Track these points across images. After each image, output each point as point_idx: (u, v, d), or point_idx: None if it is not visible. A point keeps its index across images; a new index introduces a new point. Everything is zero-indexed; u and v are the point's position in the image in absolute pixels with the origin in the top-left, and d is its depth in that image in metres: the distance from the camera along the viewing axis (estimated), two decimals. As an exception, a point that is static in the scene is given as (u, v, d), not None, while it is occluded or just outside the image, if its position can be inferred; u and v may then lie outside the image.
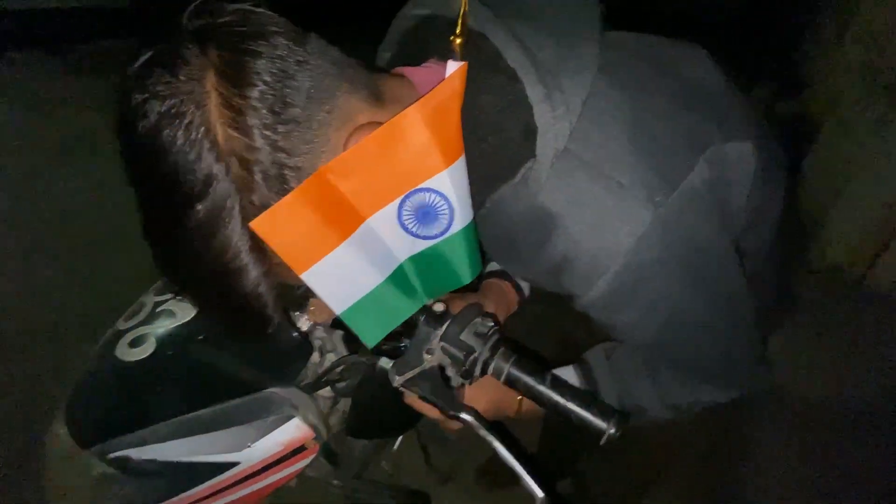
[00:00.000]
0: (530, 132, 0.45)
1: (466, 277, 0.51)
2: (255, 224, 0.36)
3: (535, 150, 0.45)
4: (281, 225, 0.37)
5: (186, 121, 0.34)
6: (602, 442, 0.48)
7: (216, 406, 0.54)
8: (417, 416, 0.98)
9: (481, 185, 0.48)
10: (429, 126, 0.40)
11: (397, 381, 0.52)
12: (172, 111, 0.34)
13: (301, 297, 0.84)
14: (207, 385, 0.56)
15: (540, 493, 0.46)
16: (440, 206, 0.44)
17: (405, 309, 0.51)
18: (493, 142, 0.46)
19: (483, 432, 0.49)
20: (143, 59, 0.36)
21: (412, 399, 0.59)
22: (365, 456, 0.98)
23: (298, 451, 0.57)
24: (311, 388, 0.62)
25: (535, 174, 0.46)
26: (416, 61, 0.51)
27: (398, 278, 0.48)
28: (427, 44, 0.52)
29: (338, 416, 0.78)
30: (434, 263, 0.48)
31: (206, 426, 0.53)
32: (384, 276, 0.46)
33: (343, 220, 0.41)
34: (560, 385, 0.51)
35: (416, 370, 0.53)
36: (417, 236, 0.45)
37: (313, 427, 0.57)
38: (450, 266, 0.49)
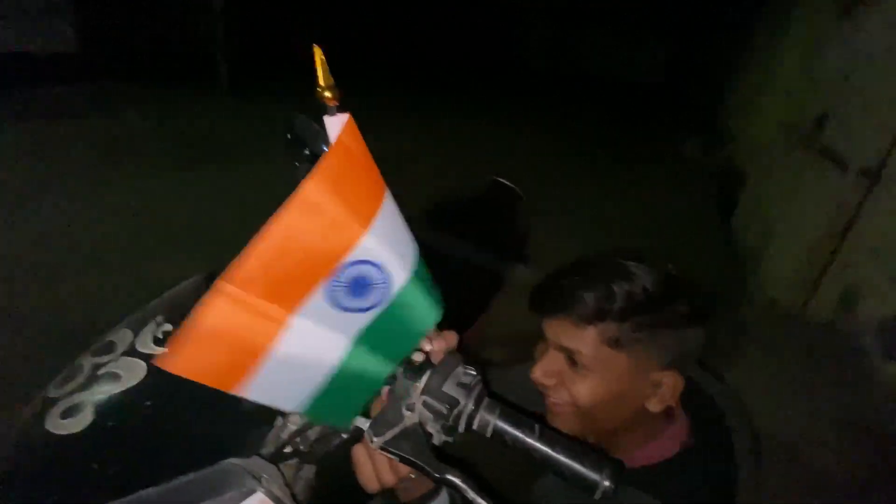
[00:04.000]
0: None
1: (430, 322, 0.48)
2: (160, 363, 0.36)
3: None
4: (191, 358, 0.36)
5: None
6: (597, 496, 0.46)
7: (165, 484, 0.47)
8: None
9: None
10: (332, 194, 0.36)
11: (376, 442, 0.48)
12: None
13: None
14: (155, 460, 0.49)
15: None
16: (373, 274, 0.40)
17: (374, 381, 0.48)
18: None
19: (472, 495, 0.45)
20: None
21: (364, 462, 0.55)
22: (331, 527, 0.89)
23: (261, 529, 0.50)
24: (276, 458, 0.56)
25: None
26: None
27: (355, 358, 0.44)
28: None
29: (301, 484, 0.70)
30: (390, 326, 0.44)
31: (153, 509, 0.46)
32: (334, 364, 0.42)
33: (262, 329, 0.37)
34: (549, 437, 0.49)
35: (397, 429, 0.48)
36: (360, 310, 0.41)
37: (278, 501, 0.50)
38: (408, 321, 0.46)
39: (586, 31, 8.63)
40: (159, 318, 0.56)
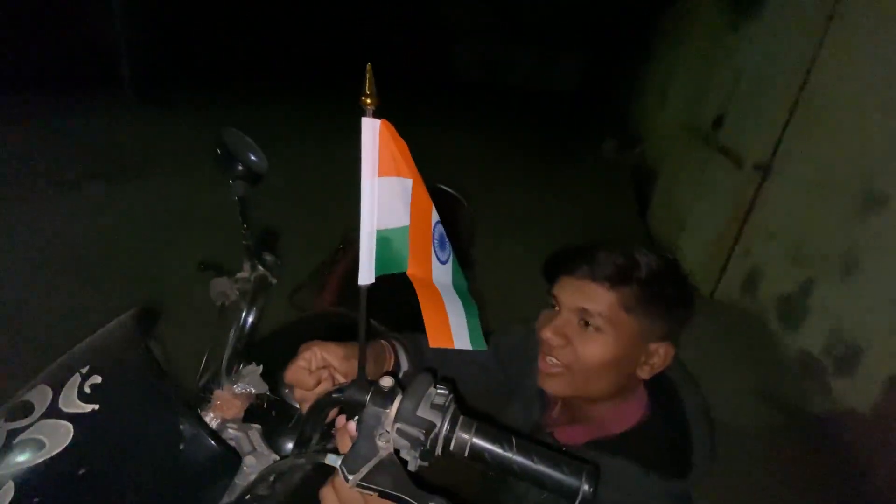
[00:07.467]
0: None
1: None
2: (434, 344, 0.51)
3: None
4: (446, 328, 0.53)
5: None
6: (577, 501, 0.47)
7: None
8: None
9: None
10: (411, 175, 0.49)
11: (352, 480, 0.45)
12: None
13: (202, 389, 0.71)
14: (96, 534, 0.43)
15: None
16: (442, 229, 0.55)
17: (473, 310, 0.59)
18: None
19: (458, 525, 0.44)
20: None
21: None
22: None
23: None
24: (236, 506, 0.51)
25: None
26: None
27: (461, 296, 0.57)
28: None
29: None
30: (459, 273, 0.60)
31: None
32: (460, 301, 0.56)
33: (434, 291, 0.53)
34: (526, 448, 0.49)
35: (372, 462, 0.46)
36: (445, 262, 0.57)
37: (242, 558, 0.46)
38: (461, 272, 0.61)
39: (510, 47, 9.25)
40: (84, 370, 0.49)
